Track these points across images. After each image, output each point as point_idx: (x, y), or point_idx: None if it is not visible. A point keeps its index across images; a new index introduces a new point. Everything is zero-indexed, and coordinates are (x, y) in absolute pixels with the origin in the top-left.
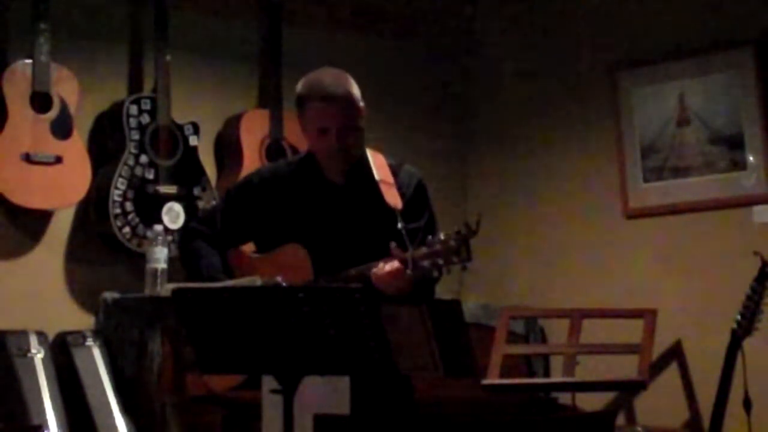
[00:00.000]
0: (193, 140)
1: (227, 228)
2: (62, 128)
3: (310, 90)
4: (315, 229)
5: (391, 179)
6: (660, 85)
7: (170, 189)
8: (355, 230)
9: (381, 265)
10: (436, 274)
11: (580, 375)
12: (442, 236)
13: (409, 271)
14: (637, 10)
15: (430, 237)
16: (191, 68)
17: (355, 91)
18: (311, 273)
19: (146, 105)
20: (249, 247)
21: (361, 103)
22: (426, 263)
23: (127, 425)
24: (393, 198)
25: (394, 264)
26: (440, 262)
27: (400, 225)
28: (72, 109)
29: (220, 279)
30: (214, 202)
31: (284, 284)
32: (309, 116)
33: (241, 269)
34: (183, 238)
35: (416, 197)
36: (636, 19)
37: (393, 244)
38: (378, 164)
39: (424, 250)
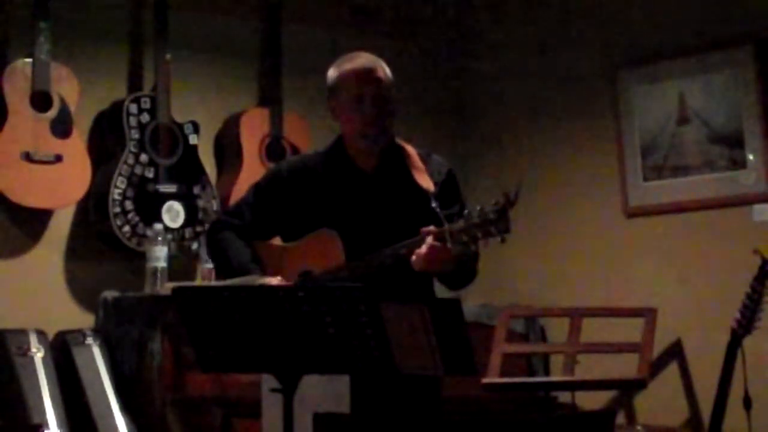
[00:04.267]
0: (193, 139)
1: (257, 220)
2: (62, 127)
3: (342, 65)
4: (347, 217)
5: (421, 165)
6: (660, 83)
7: (170, 188)
8: (388, 216)
9: (419, 239)
10: (473, 247)
11: (580, 374)
12: (479, 208)
13: (449, 245)
14: (637, 10)
15: (467, 211)
16: (191, 68)
17: (388, 71)
18: (342, 257)
19: (146, 104)
20: (276, 239)
21: (391, 80)
22: (464, 236)
23: (127, 425)
24: (425, 182)
25: (429, 241)
26: (478, 234)
27: (434, 204)
28: (72, 108)
29: (251, 269)
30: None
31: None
32: (344, 88)
33: (269, 260)
34: (211, 231)
35: (448, 184)
36: (636, 19)
37: (431, 228)
38: (408, 152)
39: (461, 223)
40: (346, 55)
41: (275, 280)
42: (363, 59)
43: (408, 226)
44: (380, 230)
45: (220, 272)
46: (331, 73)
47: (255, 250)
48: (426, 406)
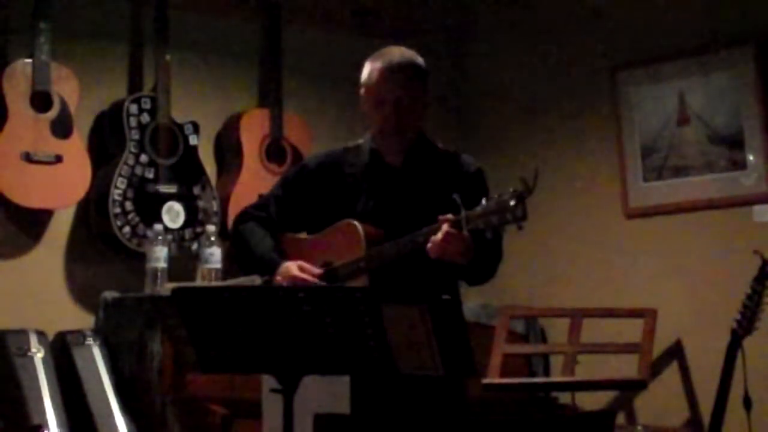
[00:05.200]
0: (193, 140)
1: (283, 213)
2: (62, 128)
3: (374, 61)
4: (373, 211)
5: (449, 162)
6: (660, 84)
7: (170, 188)
8: (414, 212)
9: (435, 227)
10: (489, 235)
11: (580, 374)
12: (497, 195)
13: (465, 232)
14: (637, 10)
15: (484, 198)
16: (191, 68)
17: (419, 67)
18: (363, 248)
19: (146, 104)
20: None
21: (424, 82)
22: (480, 223)
23: (127, 425)
24: (451, 178)
25: (445, 228)
26: (494, 220)
27: (454, 195)
28: (72, 109)
29: (271, 257)
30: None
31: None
32: (369, 85)
33: (292, 251)
34: (236, 222)
35: (474, 181)
36: (636, 19)
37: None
38: (436, 148)
39: (478, 209)
40: (381, 50)
41: (295, 267)
42: (392, 57)
43: (433, 221)
44: (405, 227)
45: (242, 263)
46: (365, 67)
47: (279, 241)
48: (428, 407)
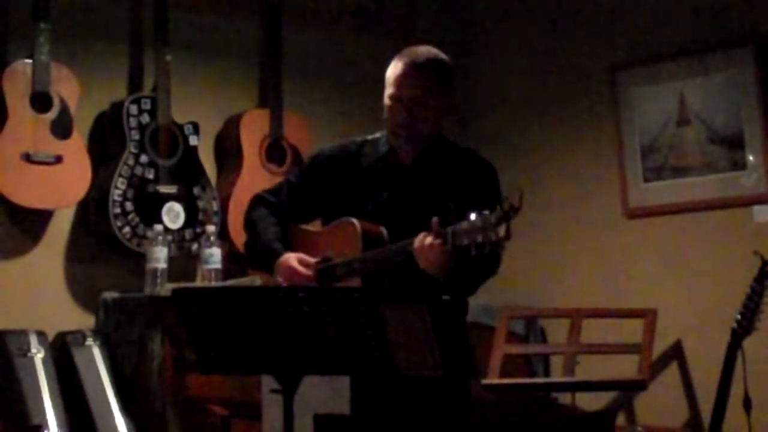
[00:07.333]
0: (193, 140)
1: (294, 201)
2: (62, 128)
3: (399, 58)
4: (378, 208)
5: (462, 163)
6: (660, 84)
7: (170, 189)
8: (418, 212)
9: (421, 236)
10: (474, 252)
11: (580, 375)
12: (484, 213)
13: (448, 247)
14: (637, 10)
15: (472, 213)
16: (191, 68)
17: (444, 70)
18: (360, 248)
19: (146, 105)
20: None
21: (448, 86)
22: (465, 239)
23: (127, 425)
24: (459, 181)
25: (429, 238)
26: (479, 239)
27: (450, 204)
28: (72, 109)
29: (273, 247)
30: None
31: (284, 283)
32: (389, 83)
33: (297, 242)
34: (250, 205)
35: (485, 184)
36: (636, 19)
37: (435, 219)
38: (451, 148)
39: (464, 225)
40: (409, 48)
41: (294, 259)
42: (419, 55)
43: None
44: (409, 226)
45: (248, 247)
46: (392, 62)
47: (287, 230)
48: (427, 407)
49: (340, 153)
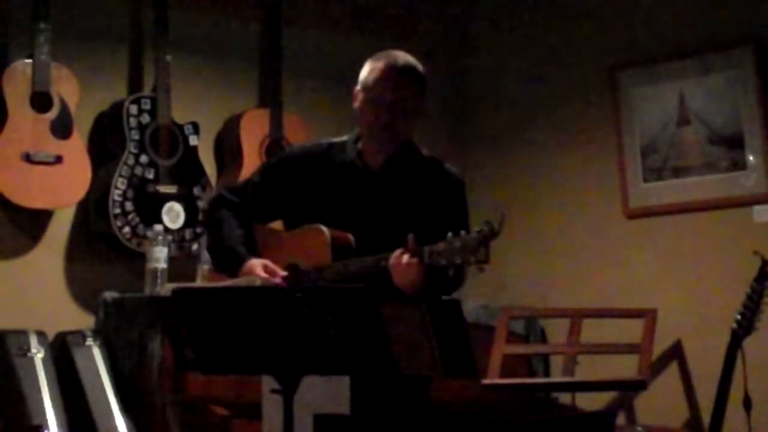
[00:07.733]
0: (193, 140)
1: (256, 201)
2: (62, 128)
3: (376, 60)
4: (343, 213)
5: (430, 172)
6: (660, 85)
7: (170, 189)
8: (385, 219)
9: (398, 253)
10: (451, 272)
11: (580, 375)
12: (462, 233)
13: (424, 263)
14: (637, 10)
15: (450, 234)
16: (191, 68)
17: (420, 75)
18: (328, 257)
19: (146, 105)
20: (277, 224)
21: (422, 91)
22: (442, 260)
23: (127, 425)
24: (428, 190)
25: (406, 257)
26: (457, 260)
27: (410, 235)
28: (72, 109)
29: (238, 251)
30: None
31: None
32: (367, 84)
33: (263, 244)
34: (211, 205)
35: (452, 196)
36: (636, 19)
37: (411, 236)
38: (420, 156)
39: (441, 246)
40: (385, 52)
41: (259, 266)
42: (397, 59)
43: (403, 233)
44: (375, 233)
45: (211, 250)
46: (366, 65)
47: (253, 231)
48: (421, 407)
49: (306, 155)
